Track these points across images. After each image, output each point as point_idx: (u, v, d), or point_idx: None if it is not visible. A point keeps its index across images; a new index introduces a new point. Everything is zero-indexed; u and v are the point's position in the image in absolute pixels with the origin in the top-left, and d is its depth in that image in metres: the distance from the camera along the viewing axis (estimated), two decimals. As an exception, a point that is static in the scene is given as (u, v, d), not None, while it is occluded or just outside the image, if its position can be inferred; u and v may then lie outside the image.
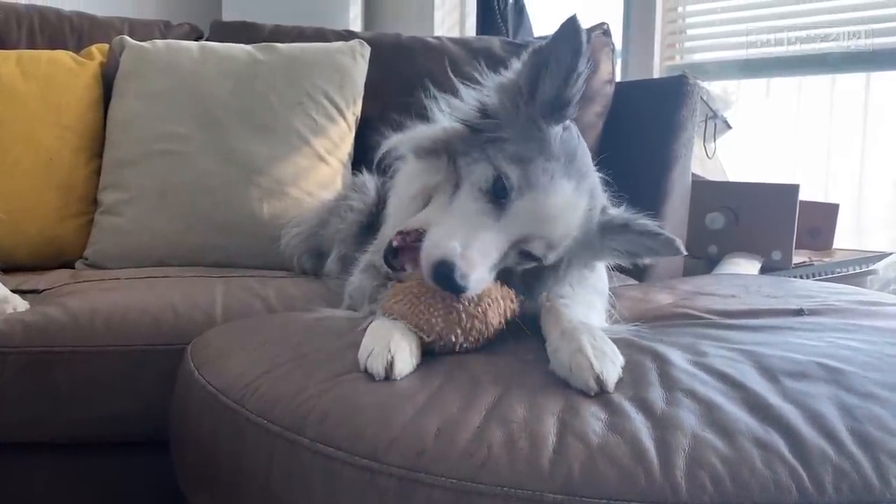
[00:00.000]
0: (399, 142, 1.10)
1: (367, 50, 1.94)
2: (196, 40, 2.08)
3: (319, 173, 1.80)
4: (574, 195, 0.96)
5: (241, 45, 1.90)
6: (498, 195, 0.94)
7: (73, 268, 1.73)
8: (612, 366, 0.84)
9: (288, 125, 1.79)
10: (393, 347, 0.87)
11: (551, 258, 0.99)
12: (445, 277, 0.89)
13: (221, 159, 1.75)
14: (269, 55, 1.87)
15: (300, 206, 1.74)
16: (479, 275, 0.91)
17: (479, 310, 0.94)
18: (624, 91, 2.05)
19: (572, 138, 1.01)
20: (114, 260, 1.70)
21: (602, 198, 1.05)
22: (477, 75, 1.06)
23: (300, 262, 1.64)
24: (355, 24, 2.94)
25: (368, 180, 1.57)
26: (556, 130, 0.98)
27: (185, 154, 1.75)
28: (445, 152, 1.01)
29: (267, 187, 1.73)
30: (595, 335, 0.88)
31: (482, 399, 0.81)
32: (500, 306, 0.96)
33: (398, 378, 0.86)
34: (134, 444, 1.32)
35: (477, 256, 0.91)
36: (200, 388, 0.99)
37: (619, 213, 1.05)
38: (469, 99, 1.04)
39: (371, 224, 1.46)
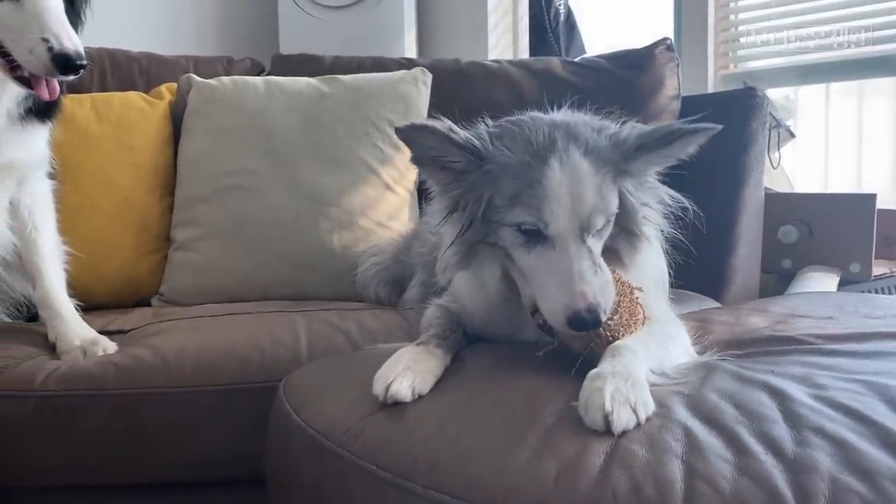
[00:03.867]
0: (443, 271, 1.16)
1: (429, 77, 1.94)
2: (258, 74, 2.11)
3: (387, 203, 1.80)
4: (564, 166, 0.96)
5: (306, 79, 1.91)
6: (534, 236, 0.97)
7: (148, 304, 1.76)
8: (627, 412, 0.81)
9: (355, 156, 1.79)
10: (393, 376, 0.94)
11: (615, 204, 1.00)
12: (584, 326, 0.93)
13: (290, 193, 1.76)
14: (334, 87, 1.88)
15: (370, 237, 1.74)
16: (599, 289, 0.93)
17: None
18: (690, 105, 2.01)
19: (503, 129, 1.03)
20: (189, 296, 1.72)
21: (585, 124, 1.03)
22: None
23: (376, 292, 1.63)
24: (410, 50, 2.94)
25: None
26: (494, 144, 1.01)
27: (254, 189, 1.77)
28: (473, 247, 1.04)
29: (337, 219, 1.74)
30: (629, 381, 0.85)
31: (598, 439, 0.79)
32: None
33: (393, 401, 0.92)
34: (223, 483, 1.32)
35: (583, 286, 0.93)
36: (300, 431, 0.99)
37: (627, 131, 1.03)
38: (441, 209, 1.07)
39: None
